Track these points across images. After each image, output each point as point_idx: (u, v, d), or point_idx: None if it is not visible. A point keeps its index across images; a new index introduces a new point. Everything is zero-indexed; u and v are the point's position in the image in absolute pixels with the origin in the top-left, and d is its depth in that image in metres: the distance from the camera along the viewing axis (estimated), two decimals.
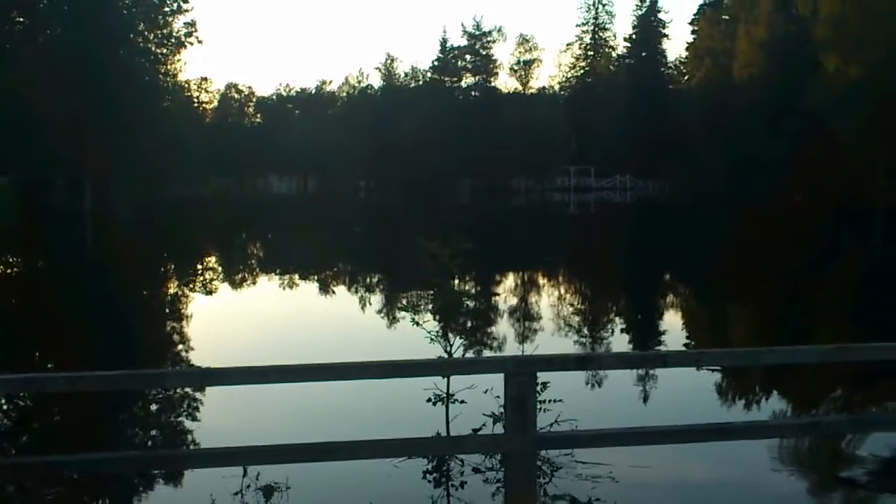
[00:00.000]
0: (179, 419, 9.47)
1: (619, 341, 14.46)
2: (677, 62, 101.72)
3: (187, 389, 9.86)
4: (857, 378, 10.45)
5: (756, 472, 7.38)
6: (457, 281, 16.16)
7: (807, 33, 63.88)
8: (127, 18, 59.50)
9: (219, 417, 9.19)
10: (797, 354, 5.61)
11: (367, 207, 72.66)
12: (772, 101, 68.29)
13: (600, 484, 6.99)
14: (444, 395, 7.56)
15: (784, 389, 10.54)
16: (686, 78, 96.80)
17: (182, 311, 18.22)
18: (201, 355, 12.32)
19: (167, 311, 18.44)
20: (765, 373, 10.64)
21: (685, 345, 13.95)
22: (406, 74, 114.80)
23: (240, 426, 8.65)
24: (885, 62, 55.36)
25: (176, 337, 15.07)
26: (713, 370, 10.88)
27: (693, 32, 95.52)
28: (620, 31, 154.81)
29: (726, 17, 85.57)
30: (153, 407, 10.09)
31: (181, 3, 63.27)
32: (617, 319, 17.93)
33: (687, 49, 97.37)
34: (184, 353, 13.22)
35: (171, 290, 22.15)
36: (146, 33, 62.54)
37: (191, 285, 22.83)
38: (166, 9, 62.97)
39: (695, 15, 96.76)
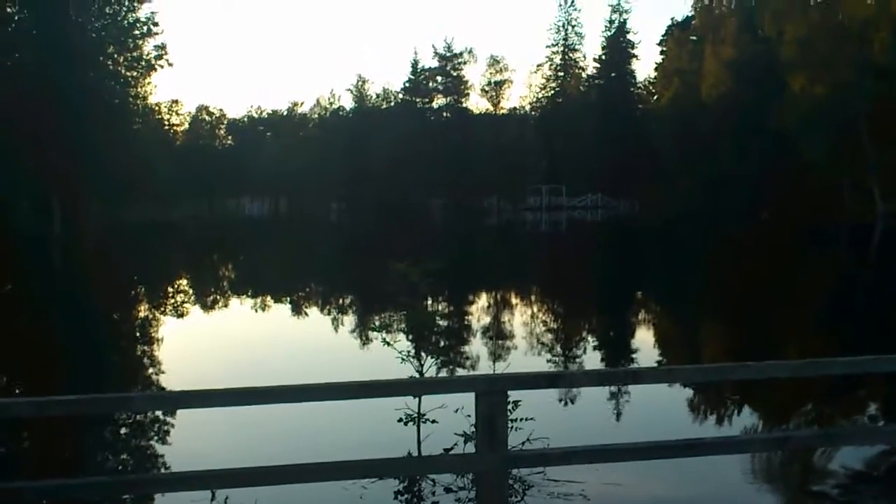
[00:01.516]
0: (148, 443, 9.35)
1: (591, 359, 14.49)
2: (646, 82, 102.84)
3: (156, 413, 9.75)
4: (827, 392, 10.55)
5: (728, 488, 7.40)
6: (428, 301, 16.15)
7: (773, 54, 64.77)
8: (96, 41, 59.19)
9: (188, 441, 9.08)
10: (768, 369, 5.63)
11: (339, 229, 72.49)
12: (740, 121, 69.14)
13: (572, 502, 6.98)
14: (416, 415, 7.53)
15: (755, 404, 10.59)
16: (655, 98, 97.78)
17: (152, 335, 18.05)
18: (171, 379, 12.20)
19: (137, 335, 18.26)
20: (736, 388, 10.70)
21: (657, 362, 14.01)
22: (378, 96, 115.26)
23: (209, 449, 8.55)
24: (849, 83, 56.28)
25: (146, 361, 14.92)
26: (684, 386, 10.92)
27: (662, 53, 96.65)
28: (590, 51, 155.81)
29: (694, 38, 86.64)
30: (122, 431, 9.96)
31: (151, 27, 63.01)
32: (588, 337, 17.97)
33: (656, 69, 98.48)
34: (154, 377, 13.08)
35: (142, 314, 21.94)
36: (116, 56, 62.18)
37: (162, 310, 22.62)
38: (136, 32, 62.65)
39: (663, 36, 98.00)
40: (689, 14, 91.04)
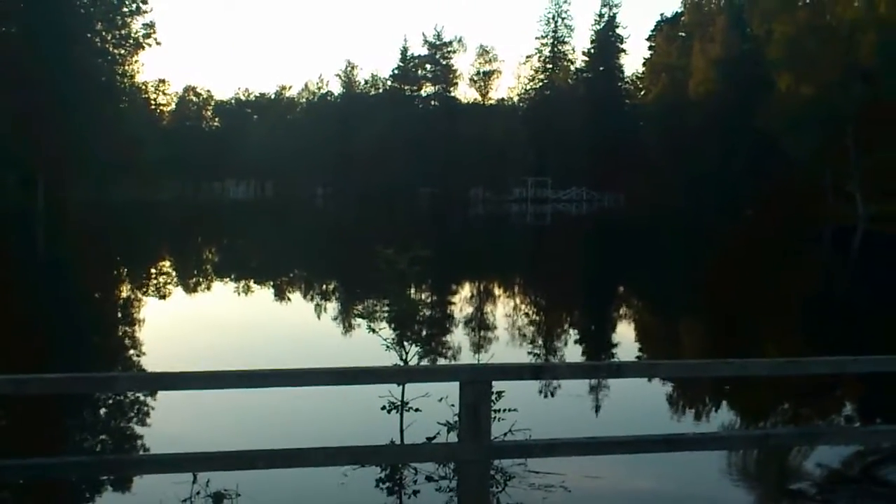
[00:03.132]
0: (129, 424, 9.33)
1: (573, 351, 14.55)
2: (634, 77, 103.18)
3: (138, 394, 9.72)
4: (806, 390, 10.64)
5: (707, 484, 7.45)
6: (413, 290, 16.16)
7: (761, 52, 65.06)
8: (85, 18, 58.75)
9: (169, 423, 9.06)
10: (750, 367, 5.68)
11: (324, 214, 72.32)
12: (726, 118, 69.44)
13: (553, 493, 7.01)
14: (399, 403, 7.53)
15: (735, 401, 10.68)
16: (643, 93, 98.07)
17: (134, 314, 17.99)
18: (154, 359, 12.17)
19: (119, 314, 18.18)
20: (717, 384, 10.77)
21: (637, 356, 14.08)
22: (366, 82, 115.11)
23: (190, 432, 8.54)
24: (835, 83, 56.57)
25: (128, 341, 14.86)
26: (666, 381, 10.98)
27: (650, 48, 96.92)
28: (579, 45, 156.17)
29: (683, 34, 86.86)
30: (102, 412, 9.92)
31: (140, 4, 62.63)
32: (571, 330, 18.05)
33: (644, 64, 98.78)
34: (135, 357, 13.04)
35: (125, 294, 21.84)
36: (104, 33, 61.78)
37: (145, 289, 22.54)
38: (125, 9, 62.24)
39: (652, 31, 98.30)
40: (679, 10, 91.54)
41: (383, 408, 7.51)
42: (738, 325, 17.55)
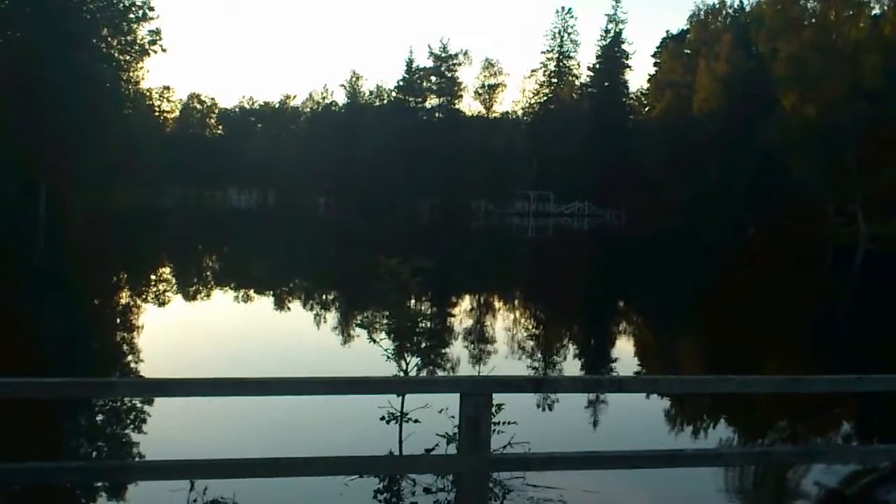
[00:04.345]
0: (127, 430, 9.30)
1: (573, 366, 14.53)
2: (639, 93, 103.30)
3: (136, 400, 9.70)
4: (805, 408, 10.62)
5: (706, 500, 7.43)
6: (414, 301, 16.15)
7: (766, 71, 65.13)
8: (90, 23, 58.76)
9: (168, 429, 9.04)
10: (751, 384, 5.67)
11: (326, 224, 72.35)
12: (730, 136, 69.46)
13: None
14: (398, 414, 7.52)
15: (735, 418, 10.65)
16: (647, 109, 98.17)
17: (134, 321, 17.96)
18: (153, 366, 12.14)
19: (119, 320, 18.16)
20: (717, 400, 10.75)
21: (636, 371, 14.06)
22: (371, 93, 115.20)
23: (189, 439, 8.52)
24: (839, 102, 56.64)
25: (126, 347, 14.83)
26: (664, 396, 10.97)
27: (655, 65, 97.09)
28: (585, 60, 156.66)
29: (688, 52, 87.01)
30: (100, 417, 9.89)
31: (147, 11, 62.64)
32: (571, 344, 18.03)
33: (649, 81, 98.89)
34: (134, 364, 13.01)
35: (125, 300, 21.82)
36: (109, 39, 61.77)
37: (145, 296, 22.52)
38: (131, 15, 62.31)
39: (657, 48, 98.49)
40: (685, 27, 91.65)
41: (382, 418, 7.50)
42: (734, 343, 17.52)
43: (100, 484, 7.06)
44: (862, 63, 57.39)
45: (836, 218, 61.19)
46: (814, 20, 63.94)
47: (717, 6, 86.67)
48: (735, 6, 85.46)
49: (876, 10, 64.05)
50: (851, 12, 62.20)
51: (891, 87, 53.45)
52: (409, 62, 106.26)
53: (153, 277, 27.07)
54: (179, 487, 6.45)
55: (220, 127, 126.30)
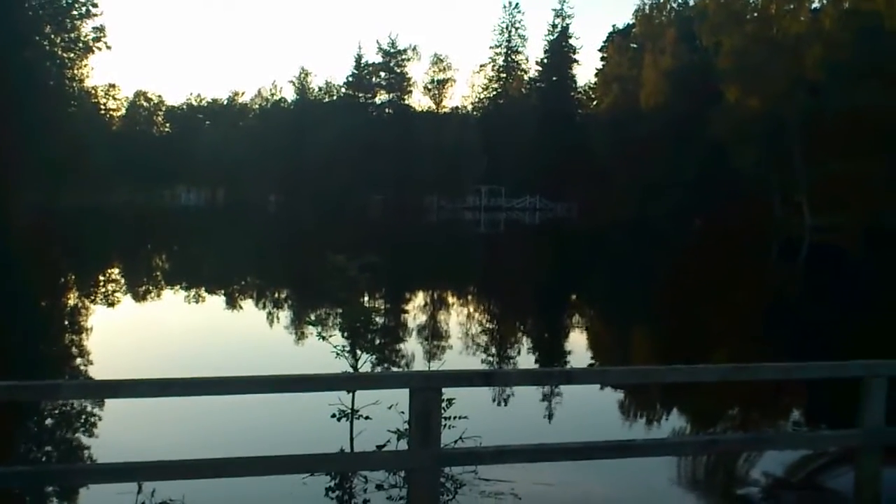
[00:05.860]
0: (74, 433, 9.14)
1: (527, 360, 14.59)
2: (587, 87, 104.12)
3: (84, 402, 9.54)
4: (754, 396, 10.78)
5: (656, 490, 7.50)
6: (365, 298, 16.08)
7: (710, 64, 66.04)
8: (33, 20, 57.70)
9: (115, 431, 8.90)
10: (698, 373, 5.74)
11: (276, 221, 71.80)
12: (677, 129, 70.33)
13: (503, 501, 7.00)
14: (349, 411, 7.48)
15: (685, 407, 10.78)
16: (595, 103, 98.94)
17: (81, 322, 17.63)
18: (100, 367, 11.95)
19: (66, 322, 17.83)
20: (667, 390, 10.87)
21: (589, 364, 14.16)
22: (320, 89, 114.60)
23: (136, 441, 8.38)
24: (782, 95, 57.65)
25: (74, 349, 14.57)
26: (617, 387, 11.06)
27: (602, 59, 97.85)
28: (533, 54, 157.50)
29: (634, 46, 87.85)
30: (47, 420, 9.71)
31: (90, 7, 61.67)
32: (523, 337, 18.10)
33: (596, 75, 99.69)
34: (82, 365, 12.79)
35: (71, 301, 21.42)
36: (52, 36, 60.71)
37: (92, 296, 22.12)
38: (74, 12, 61.24)
39: (604, 42, 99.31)
40: (630, 22, 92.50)
41: (333, 415, 7.46)
42: (681, 333, 17.74)
43: (48, 488, 6.94)
44: (803, 56, 58.44)
45: (783, 210, 62.26)
46: (755, 14, 64.99)
47: (662, 1, 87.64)
48: (679, 1, 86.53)
49: (816, 4, 65.37)
50: (792, 6, 63.34)
51: (833, 80, 54.48)
52: (358, 58, 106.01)
53: (101, 278, 26.61)
54: (127, 490, 6.34)
55: (168, 125, 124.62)
